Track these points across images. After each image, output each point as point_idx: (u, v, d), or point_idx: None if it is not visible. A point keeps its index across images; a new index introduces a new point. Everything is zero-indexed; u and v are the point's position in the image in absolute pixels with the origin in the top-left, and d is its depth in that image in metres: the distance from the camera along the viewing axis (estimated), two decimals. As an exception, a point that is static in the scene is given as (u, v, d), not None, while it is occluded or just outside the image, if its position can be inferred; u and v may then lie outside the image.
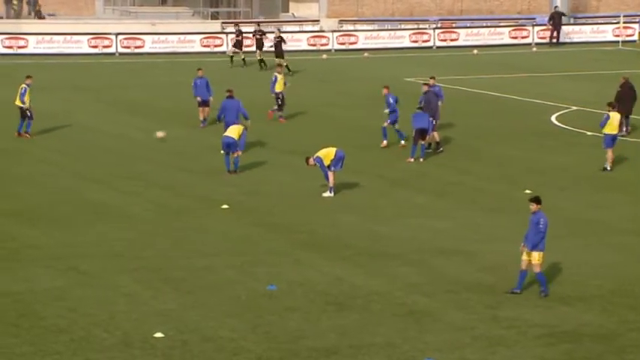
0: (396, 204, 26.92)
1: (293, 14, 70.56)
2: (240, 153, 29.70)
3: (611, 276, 21.13)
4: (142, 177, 29.70)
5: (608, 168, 30.15)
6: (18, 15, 63.20)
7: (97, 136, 35.85)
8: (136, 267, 21.60)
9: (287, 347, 17.38)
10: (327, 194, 27.40)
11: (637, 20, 65.41)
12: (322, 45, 61.52)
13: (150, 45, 59.45)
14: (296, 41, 61.66)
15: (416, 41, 63.03)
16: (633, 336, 17.94)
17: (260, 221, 25.16)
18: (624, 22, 63.26)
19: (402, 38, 63.08)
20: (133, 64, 54.87)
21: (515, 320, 18.59)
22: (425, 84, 33.94)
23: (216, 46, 57.50)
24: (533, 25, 65.02)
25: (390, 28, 65.54)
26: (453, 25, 66.44)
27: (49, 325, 18.20)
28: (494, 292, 20.10)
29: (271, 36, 51.76)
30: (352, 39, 62.50)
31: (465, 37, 63.81)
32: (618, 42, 61.26)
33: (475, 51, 60.57)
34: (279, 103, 37.74)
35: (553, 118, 39.06)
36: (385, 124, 32.99)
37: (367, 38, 62.67)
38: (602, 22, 67.56)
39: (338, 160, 27.39)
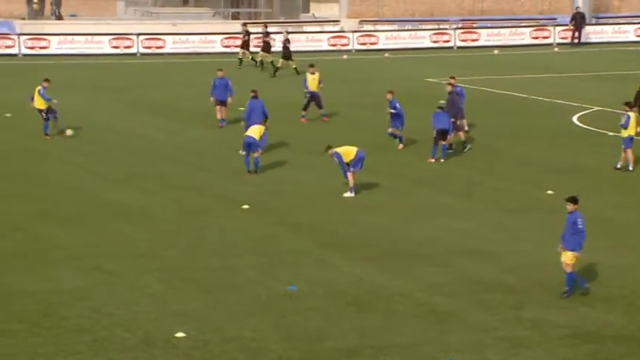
0: (418, 204, 26.85)
1: (314, 15, 70.55)
2: (260, 153, 29.70)
3: (634, 277, 21.02)
4: (163, 177, 29.75)
5: (630, 168, 30.08)
6: (38, 15, 63.41)
7: (119, 136, 35.94)
8: (158, 267, 21.62)
9: (308, 347, 17.35)
10: (347, 194, 27.35)
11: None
12: (343, 45, 61.50)
13: (171, 45, 59.61)
14: (317, 41, 61.73)
15: (436, 41, 62.92)
16: (657, 337, 17.84)
17: (281, 221, 25.15)
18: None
19: (423, 39, 63.00)
20: (154, 65, 55.02)
21: (538, 321, 18.51)
22: (449, 84, 33.80)
23: (236, 46, 57.48)
24: (555, 26, 64.83)
25: (410, 28, 65.45)
26: (474, 25, 66.29)
27: (72, 325, 18.24)
28: (516, 292, 20.01)
29: (279, 37, 51.82)
30: (373, 39, 62.46)
31: (486, 37, 63.67)
32: (640, 42, 61.04)
33: (496, 51, 60.42)
34: (306, 102, 37.62)
35: (575, 119, 38.92)
36: (390, 130, 32.68)
37: (388, 38, 62.62)
38: (624, 22, 67.28)
39: (358, 161, 27.32)
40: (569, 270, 19.69)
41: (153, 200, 27.22)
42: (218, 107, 36.82)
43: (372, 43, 62.03)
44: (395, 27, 65.70)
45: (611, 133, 34.76)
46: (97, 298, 19.62)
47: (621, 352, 17.20)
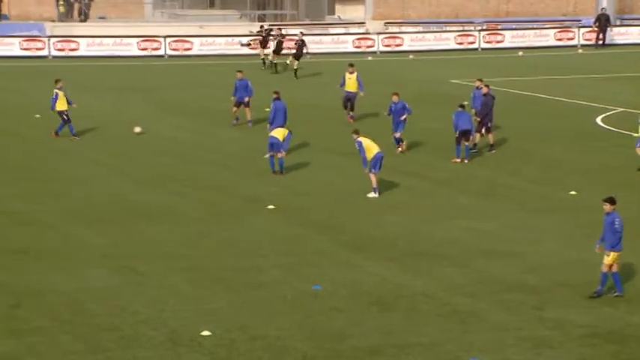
0: (441, 205, 26.89)
1: (339, 17, 70.62)
2: (284, 154, 29.84)
3: (656, 278, 20.98)
4: (191, 178, 29.91)
5: None
6: (65, 17, 63.80)
7: (147, 137, 36.12)
8: (185, 266, 21.77)
9: (332, 346, 17.45)
10: (371, 195, 27.44)
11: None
12: (368, 47, 61.54)
13: (198, 47, 59.86)
14: (342, 43, 61.80)
15: (461, 43, 62.85)
16: (678, 338, 17.82)
17: (306, 221, 25.25)
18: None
19: (448, 40, 62.95)
20: (182, 66, 55.25)
21: (560, 321, 18.52)
22: (486, 86, 33.73)
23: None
24: (579, 27, 64.60)
25: (435, 30, 65.40)
26: (499, 27, 66.15)
27: (101, 323, 18.40)
28: (538, 292, 20.03)
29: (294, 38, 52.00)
30: (397, 41, 62.46)
31: (511, 39, 63.54)
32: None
33: (520, 53, 60.29)
34: (351, 105, 37.43)
35: (598, 120, 38.82)
36: (398, 135, 32.35)
37: (412, 40, 62.60)
38: (649, 23, 67.00)
39: (377, 161, 27.40)
40: (605, 270, 19.61)
41: (180, 201, 27.39)
42: (235, 108, 36.97)
43: (397, 45, 62.04)
44: (420, 29, 65.67)
45: (635, 134, 34.64)
46: (126, 296, 19.79)
47: (642, 353, 17.21)
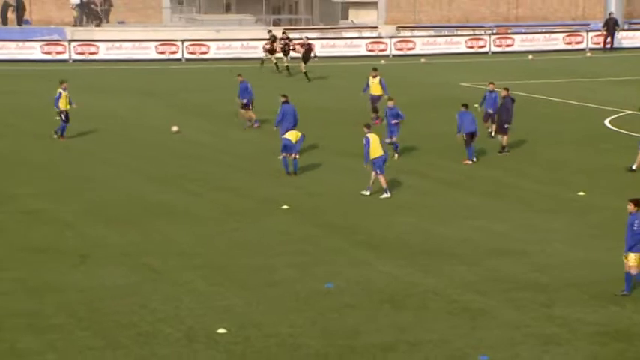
0: (451, 205, 26.84)
1: (352, 21, 70.64)
2: (295, 156, 29.83)
3: (663, 277, 20.86)
4: (206, 179, 29.94)
5: (634, 168, 30.12)
6: (78, 22, 63.95)
7: (164, 138, 36.20)
8: (201, 265, 21.78)
9: (345, 343, 17.43)
10: (384, 195, 27.41)
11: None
12: (380, 51, 61.53)
13: (214, 51, 59.95)
14: (355, 47, 61.82)
15: (472, 47, 62.79)
16: (684, 336, 17.73)
17: (319, 222, 25.24)
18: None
19: (459, 44, 62.89)
20: (199, 70, 55.33)
21: (568, 319, 18.46)
22: (505, 89, 33.69)
23: (277, 51, 57.67)
24: (587, 31, 64.46)
25: (446, 34, 65.36)
26: (508, 31, 66.07)
27: (119, 320, 18.41)
28: (547, 291, 19.97)
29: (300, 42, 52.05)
30: (410, 45, 62.44)
31: (520, 42, 63.45)
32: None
33: (530, 56, 60.18)
34: (375, 106, 37.42)
35: (607, 122, 38.71)
36: (394, 139, 31.87)
37: (424, 44, 62.57)
38: (657, 27, 66.81)
39: (380, 162, 27.36)
40: (634, 271, 19.46)
41: (196, 201, 27.42)
42: (242, 111, 37.08)
43: (409, 49, 62.01)
44: (431, 33, 65.65)
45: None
46: (143, 294, 19.81)
47: (649, 350, 17.14)
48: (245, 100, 36.95)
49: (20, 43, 59.22)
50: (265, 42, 53.85)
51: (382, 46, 61.80)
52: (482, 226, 24.66)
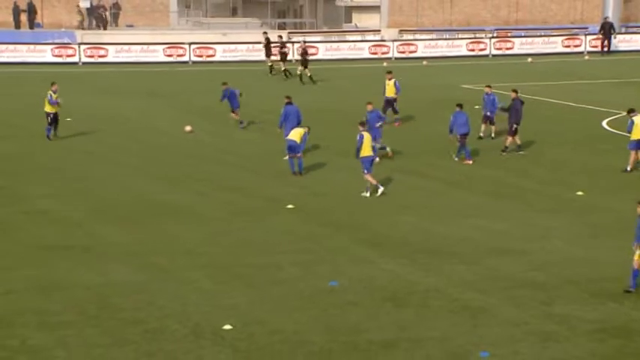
0: (453, 205, 26.79)
1: (356, 24, 70.64)
2: (300, 155, 29.78)
3: (660, 275, 20.79)
4: (212, 178, 29.91)
5: (628, 169, 30.07)
6: (82, 25, 63.96)
7: (170, 139, 36.18)
8: (207, 263, 21.75)
9: (348, 340, 17.38)
10: (379, 190, 27.29)
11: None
12: (383, 53, 61.50)
13: (221, 54, 59.96)
14: (358, 50, 61.79)
15: (473, 50, 62.76)
16: (681, 333, 17.67)
17: (323, 221, 25.19)
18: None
19: (460, 47, 62.87)
20: (205, 72, 55.32)
21: (567, 316, 18.41)
22: (514, 91, 33.68)
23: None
24: (586, 34, 64.40)
25: (448, 37, 65.33)
26: (509, 34, 66.05)
27: (126, 317, 18.39)
28: (546, 289, 19.91)
29: (296, 46, 51.99)
30: (412, 48, 62.40)
31: (520, 45, 63.41)
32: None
33: (529, 59, 60.12)
34: (393, 107, 37.36)
35: (604, 123, 38.65)
36: (378, 144, 31.22)
37: (426, 47, 62.55)
38: (653, 31, 66.72)
39: (368, 162, 27.35)
40: (637, 267, 19.40)
41: (202, 200, 27.39)
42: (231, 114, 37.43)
43: (411, 52, 61.98)
44: (433, 36, 65.64)
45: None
46: (150, 291, 19.78)
47: (646, 347, 17.07)
48: (222, 102, 37.26)
49: (31, 46, 59.30)
50: (274, 45, 53.65)
51: (385, 49, 61.77)
52: (483, 226, 24.60)
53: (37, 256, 22.25)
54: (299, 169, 29.95)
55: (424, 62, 59.13)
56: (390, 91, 37.46)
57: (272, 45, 53.07)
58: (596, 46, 63.03)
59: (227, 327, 17.87)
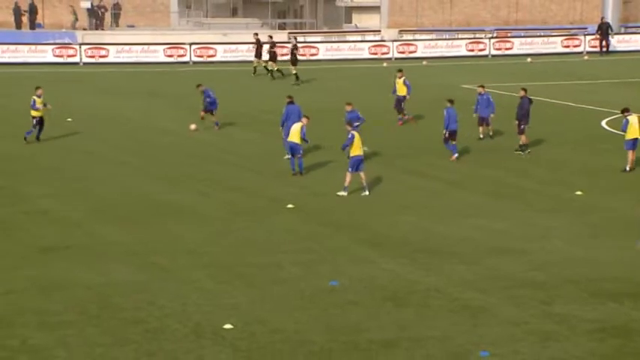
0: (453, 205, 26.76)
1: (356, 25, 70.62)
2: (301, 155, 29.73)
3: (660, 275, 20.78)
4: (213, 178, 29.88)
5: (628, 169, 30.05)
6: (73, 26, 63.94)
7: (171, 139, 36.16)
8: (208, 263, 21.72)
9: (348, 339, 17.35)
10: (341, 193, 27.32)
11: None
12: (383, 54, 61.48)
13: (221, 54, 59.94)
14: (358, 50, 61.77)
15: (472, 50, 62.74)
16: (681, 332, 17.64)
17: (324, 220, 25.17)
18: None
19: (459, 47, 62.86)
20: (206, 72, 55.28)
21: (567, 316, 18.38)
22: (523, 89, 33.70)
23: (282, 54, 57.69)
24: (585, 35, 64.38)
25: (447, 37, 65.33)
26: (508, 34, 66.05)
27: (127, 317, 18.36)
28: (546, 288, 19.88)
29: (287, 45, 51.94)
30: (412, 48, 62.39)
31: (520, 46, 63.39)
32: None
33: (529, 59, 60.10)
34: (401, 106, 37.45)
35: (603, 123, 38.62)
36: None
37: (426, 47, 62.53)
38: (652, 31, 66.71)
39: (355, 162, 27.34)
40: None
41: (203, 200, 27.36)
42: (203, 114, 37.16)
43: (410, 52, 61.96)
44: (433, 36, 65.63)
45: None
46: (151, 291, 19.75)
47: (646, 346, 17.04)
48: (208, 107, 37.01)
49: (32, 46, 59.27)
50: (268, 45, 53.55)
51: (385, 49, 61.75)
52: (483, 225, 24.57)
53: (37, 256, 22.22)
54: (299, 169, 29.92)
55: (424, 62, 59.10)
56: (400, 90, 37.66)
57: (262, 46, 52.90)
58: (595, 47, 63.01)
59: (228, 326, 17.83)
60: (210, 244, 23.19)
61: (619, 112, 40.79)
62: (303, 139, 29.55)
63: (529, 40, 64.13)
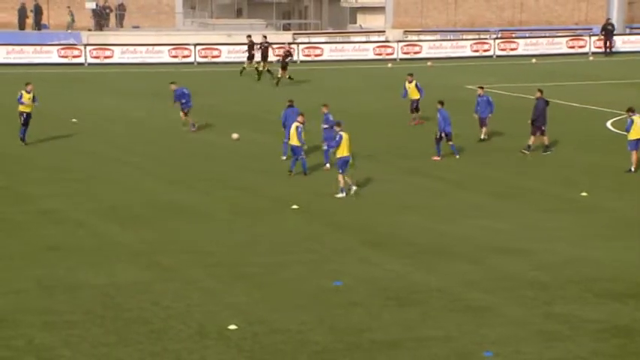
0: (456, 205, 26.78)
1: (360, 25, 70.68)
2: (303, 155, 29.79)
3: (663, 275, 20.80)
4: (217, 178, 29.94)
5: (632, 169, 30.04)
6: (70, 26, 64.02)
7: (175, 139, 36.21)
8: (212, 263, 21.76)
9: (351, 340, 17.39)
10: (339, 195, 27.33)
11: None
12: (388, 54, 61.49)
13: (226, 55, 60.00)
14: (363, 51, 61.79)
15: (477, 51, 62.73)
16: (684, 333, 17.66)
17: (328, 221, 25.20)
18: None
19: (464, 48, 62.85)
20: (210, 73, 55.35)
21: (570, 316, 18.40)
22: (539, 90, 33.75)
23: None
24: (590, 35, 64.33)
25: (452, 38, 65.34)
26: (513, 35, 66.02)
27: (131, 317, 18.40)
28: (549, 289, 19.90)
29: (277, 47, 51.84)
30: (416, 49, 62.39)
31: (524, 46, 63.37)
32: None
33: (534, 60, 60.07)
34: (416, 107, 37.67)
35: (608, 124, 38.61)
36: (325, 147, 30.50)
37: (430, 48, 62.53)
38: (657, 32, 66.66)
39: (343, 163, 27.37)
40: None
41: (207, 200, 27.41)
42: (183, 115, 37.01)
43: (415, 52, 61.97)
44: (437, 37, 65.64)
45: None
46: (155, 291, 19.80)
47: (649, 347, 17.06)
48: (183, 105, 36.90)
49: (38, 47, 59.38)
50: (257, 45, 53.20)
51: (389, 50, 61.76)
52: (486, 225, 24.60)
53: (42, 256, 22.28)
54: (303, 169, 29.98)
55: (428, 63, 59.09)
56: (413, 94, 37.88)
57: (254, 47, 52.76)
58: (600, 47, 62.97)
59: (232, 327, 17.87)
60: (214, 244, 23.23)
61: (624, 112, 40.86)
62: (299, 140, 29.58)
63: (534, 40, 64.10)
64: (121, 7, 66.63)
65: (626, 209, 26.24)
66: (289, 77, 50.24)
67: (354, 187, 27.38)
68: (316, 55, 60.43)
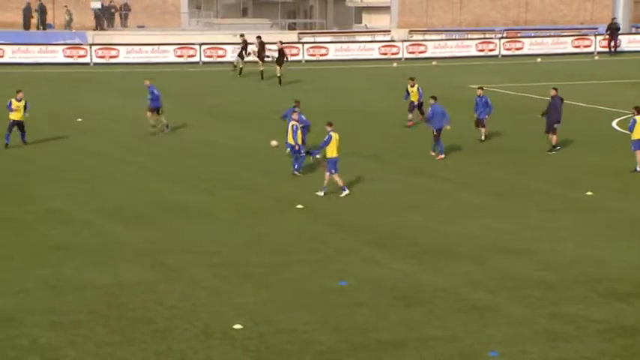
0: (460, 205, 26.76)
1: (366, 25, 70.66)
2: (303, 155, 29.79)
3: (669, 275, 20.76)
4: (222, 178, 29.93)
5: (637, 169, 30.00)
6: (67, 26, 64.04)
7: (179, 139, 36.22)
8: (216, 263, 21.76)
9: (356, 340, 17.37)
10: (344, 193, 27.31)
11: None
12: (393, 54, 61.48)
13: (231, 54, 59.98)
14: (368, 50, 61.78)
15: (482, 50, 62.69)
16: (689, 333, 17.62)
17: (332, 221, 25.19)
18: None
19: (469, 47, 62.82)
20: (216, 72, 55.37)
21: (575, 316, 18.37)
22: (554, 89, 33.76)
23: (292, 55, 57.80)
24: (596, 35, 64.27)
25: (457, 37, 65.30)
26: (518, 34, 65.98)
27: (136, 316, 18.41)
28: (555, 289, 19.87)
29: (273, 47, 51.74)
30: (421, 48, 62.37)
31: (530, 46, 63.32)
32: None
33: (539, 59, 60.01)
34: (420, 109, 37.89)
35: (614, 124, 38.54)
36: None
37: (436, 47, 62.51)
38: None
39: (333, 163, 27.33)
40: None
41: (211, 200, 27.41)
42: (149, 114, 36.49)
43: (420, 52, 61.95)
44: (443, 36, 65.61)
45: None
46: (160, 291, 19.80)
47: (655, 347, 17.03)
48: (153, 105, 36.64)
49: (43, 47, 59.44)
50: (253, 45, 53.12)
51: (394, 50, 61.74)
52: (491, 226, 24.57)
53: (47, 255, 22.29)
54: (298, 167, 29.99)
55: (434, 62, 59.06)
56: (414, 97, 38.07)
57: (248, 47, 52.72)
58: (606, 47, 62.90)
59: (237, 326, 17.86)
60: (219, 243, 23.23)
61: (629, 112, 40.77)
62: (294, 139, 29.54)
63: (539, 40, 64.04)
64: (126, 7, 66.66)
65: (631, 209, 26.20)
66: (279, 78, 49.92)
67: (346, 192, 27.32)
68: (321, 55, 60.46)
